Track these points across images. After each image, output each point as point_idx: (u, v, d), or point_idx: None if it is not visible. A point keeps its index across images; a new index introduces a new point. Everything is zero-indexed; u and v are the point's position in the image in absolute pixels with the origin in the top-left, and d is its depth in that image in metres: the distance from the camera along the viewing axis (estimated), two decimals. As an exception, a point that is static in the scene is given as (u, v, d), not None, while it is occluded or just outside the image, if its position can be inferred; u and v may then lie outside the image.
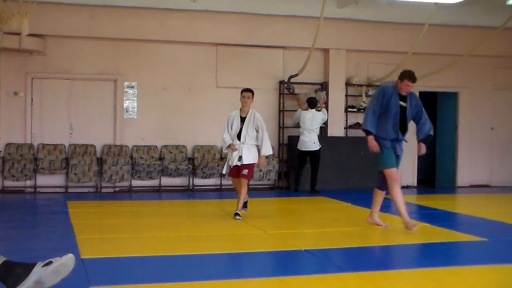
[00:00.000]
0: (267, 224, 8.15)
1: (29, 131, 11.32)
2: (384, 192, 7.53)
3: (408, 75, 7.08)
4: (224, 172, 8.35)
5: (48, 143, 11.35)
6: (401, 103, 7.19)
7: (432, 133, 7.41)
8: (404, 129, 7.28)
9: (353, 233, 7.28)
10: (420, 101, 7.40)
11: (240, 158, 7.95)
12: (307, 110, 11.68)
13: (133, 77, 11.77)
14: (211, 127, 11.99)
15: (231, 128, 8.04)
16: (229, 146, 8.05)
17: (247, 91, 8.09)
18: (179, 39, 11.82)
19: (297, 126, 12.45)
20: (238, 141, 7.98)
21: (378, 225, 7.54)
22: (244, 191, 7.94)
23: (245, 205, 8.21)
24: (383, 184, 7.43)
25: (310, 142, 11.51)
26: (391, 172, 7.21)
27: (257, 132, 8.08)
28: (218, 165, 11.68)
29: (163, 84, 11.90)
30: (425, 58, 12.80)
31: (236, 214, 7.94)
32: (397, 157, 7.37)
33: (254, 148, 8.10)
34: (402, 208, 7.20)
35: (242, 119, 8.04)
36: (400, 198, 7.21)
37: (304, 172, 12.04)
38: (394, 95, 7.12)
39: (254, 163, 8.03)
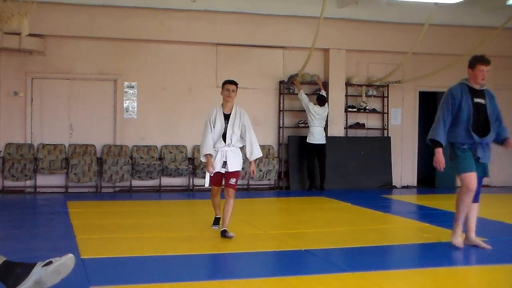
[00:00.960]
0: (267, 224, 8.16)
1: (29, 131, 11.32)
2: (477, 204, 6.31)
3: (479, 59, 6.14)
4: (206, 185, 6.90)
5: (48, 143, 11.35)
6: (477, 100, 6.32)
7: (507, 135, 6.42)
8: (484, 130, 6.24)
9: (353, 233, 7.28)
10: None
11: (224, 164, 6.72)
12: (315, 104, 11.92)
13: (133, 77, 11.77)
14: (211, 127, 11.98)
15: (213, 128, 6.78)
16: (206, 156, 6.74)
17: (231, 84, 6.86)
18: (179, 39, 11.82)
19: (297, 126, 12.46)
20: (224, 143, 6.76)
21: (479, 246, 6.25)
22: (233, 202, 6.67)
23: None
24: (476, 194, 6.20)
25: (322, 134, 11.89)
26: (466, 178, 6.02)
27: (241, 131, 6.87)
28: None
29: (163, 84, 11.90)
30: (425, 58, 12.80)
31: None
32: (478, 161, 6.17)
33: (239, 151, 6.92)
34: (470, 225, 6.21)
35: (226, 117, 6.82)
36: (463, 215, 6.12)
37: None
38: (464, 94, 6.25)
39: (240, 170, 6.88)
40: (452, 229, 6.33)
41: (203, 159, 6.85)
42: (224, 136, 6.76)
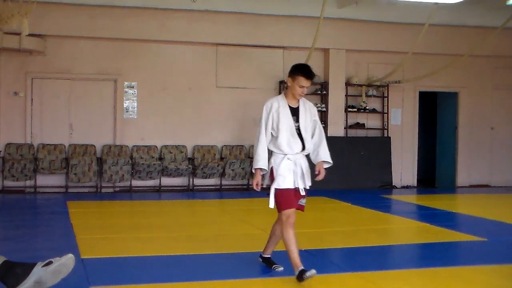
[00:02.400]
0: (267, 224, 8.15)
1: (29, 131, 11.32)
2: None
3: None
4: (271, 205, 5.03)
5: (48, 143, 11.34)
6: None
7: None
8: None
9: (353, 233, 7.27)
10: None
11: (302, 176, 4.96)
12: None
13: (133, 77, 11.77)
14: (211, 127, 12.00)
15: (276, 128, 4.94)
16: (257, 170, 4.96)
17: (309, 79, 4.91)
18: (179, 39, 11.82)
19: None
20: (300, 147, 4.94)
21: None
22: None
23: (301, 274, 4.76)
24: None
25: None
26: None
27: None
28: (218, 165, 11.68)
29: (163, 84, 11.90)
30: (425, 58, 12.80)
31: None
32: None
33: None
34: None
35: (294, 112, 5.00)
36: None
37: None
38: None
39: None
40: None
41: (262, 168, 4.96)
42: (301, 138, 4.97)
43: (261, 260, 5.35)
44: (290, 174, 4.90)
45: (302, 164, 4.95)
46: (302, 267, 4.74)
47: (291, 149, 4.92)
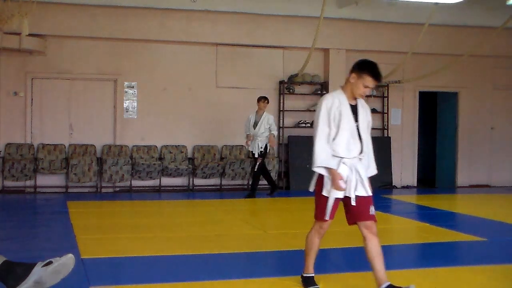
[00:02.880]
0: (267, 224, 8.16)
1: (29, 131, 11.32)
2: None
3: None
4: (327, 217, 4.48)
5: (48, 143, 11.34)
6: None
7: None
8: None
9: (353, 233, 7.26)
10: None
11: (359, 182, 4.48)
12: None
13: (133, 77, 11.77)
14: (211, 127, 11.99)
15: (336, 127, 4.42)
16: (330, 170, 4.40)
17: (378, 79, 4.53)
18: (179, 39, 11.82)
19: (297, 126, 12.48)
20: (358, 150, 4.49)
21: None
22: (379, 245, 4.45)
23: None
24: None
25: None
26: None
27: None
28: (218, 165, 11.68)
29: (163, 84, 11.90)
30: (425, 58, 12.80)
31: (312, 281, 4.66)
32: None
33: None
34: None
35: (353, 110, 4.55)
36: None
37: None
38: None
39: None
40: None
41: (322, 171, 4.41)
42: (360, 140, 4.52)
43: (301, 280, 4.68)
44: (345, 182, 4.37)
45: (359, 169, 4.43)
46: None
47: (349, 151, 4.40)
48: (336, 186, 4.33)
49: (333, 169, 4.34)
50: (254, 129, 10.58)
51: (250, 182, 11.21)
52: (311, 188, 4.53)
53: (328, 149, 4.37)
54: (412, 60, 12.15)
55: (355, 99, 4.55)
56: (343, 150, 4.38)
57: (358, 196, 4.42)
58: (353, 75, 4.47)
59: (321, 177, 4.44)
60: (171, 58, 11.94)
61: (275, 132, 10.81)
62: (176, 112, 11.93)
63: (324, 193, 4.41)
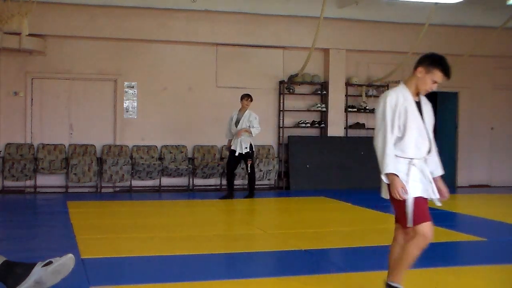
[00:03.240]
0: (267, 224, 8.16)
1: (29, 131, 11.32)
2: None
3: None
4: (410, 223, 4.03)
5: (48, 143, 11.34)
6: None
7: None
8: None
9: (353, 233, 7.27)
10: None
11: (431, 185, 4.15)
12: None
13: (133, 77, 11.77)
14: (211, 127, 11.99)
15: (403, 127, 4.10)
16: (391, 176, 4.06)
17: (448, 74, 4.41)
18: (179, 39, 11.82)
19: (297, 126, 12.48)
20: (427, 149, 4.16)
21: None
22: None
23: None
24: None
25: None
26: None
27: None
28: (218, 165, 11.68)
29: (163, 84, 11.89)
30: (425, 58, 12.77)
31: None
32: None
33: None
34: None
35: (418, 107, 4.25)
36: None
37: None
38: None
39: None
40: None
41: (384, 178, 4.10)
42: (428, 139, 4.16)
43: None
44: (420, 182, 4.05)
45: (427, 171, 4.11)
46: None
47: (420, 151, 4.08)
48: (395, 194, 3.98)
49: (396, 177, 3.98)
50: (236, 127, 10.26)
51: (224, 183, 10.53)
52: (385, 195, 4.15)
53: (394, 155, 4.04)
54: (412, 60, 12.09)
55: (418, 95, 4.25)
56: (413, 150, 4.06)
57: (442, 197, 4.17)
58: (421, 69, 4.22)
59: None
60: (171, 58, 11.94)
61: (255, 131, 10.16)
62: (176, 112, 11.93)
63: (422, 193, 4.04)
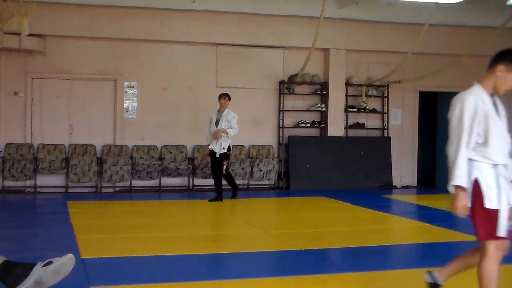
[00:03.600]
0: (267, 224, 8.16)
1: (29, 131, 11.32)
2: None
3: None
4: (502, 232, 3.72)
5: (48, 143, 11.34)
6: None
7: None
8: None
9: (353, 233, 7.27)
10: None
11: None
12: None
13: (133, 77, 11.77)
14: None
15: (485, 132, 3.82)
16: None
17: None
18: (179, 39, 11.82)
19: (297, 126, 12.48)
20: (507, 155, 3.83)
21: None
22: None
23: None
24: None
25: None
26: None
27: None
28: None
29: (163, 84, 11.90)
30: (425, 58, 12.79)
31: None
32: None
33: None
34: None
35: (495, 107, 3.90)
36: None
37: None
38: None
39: None
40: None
41: (451, 189, 3.98)
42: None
43: (427, 280, 4.19)
44: (504, 191, 3.67)
45: (509, 177, 3.75)
46: None
47: (504, 157, 3.74)
48: (455, 210, 3.78)
49: (463, 192, 3.77)
50: (216, 127, 9.98)
51: (224, 183, 10.22)
52: (467, 203, 3.84)
53: (466, 167, 3.80)
54: (412, 60, 12.14)
55: (492, 95, 3.86)
56: (498, 155, 3.71)
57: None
58: (501, 67, 3.76)
59: (476, 187, 3.75)
60: (171, 58, 11.94)
61: (231, 132, 9.87)
62: (176, 112, 11.93)
63: (488, 205, 3.67)
